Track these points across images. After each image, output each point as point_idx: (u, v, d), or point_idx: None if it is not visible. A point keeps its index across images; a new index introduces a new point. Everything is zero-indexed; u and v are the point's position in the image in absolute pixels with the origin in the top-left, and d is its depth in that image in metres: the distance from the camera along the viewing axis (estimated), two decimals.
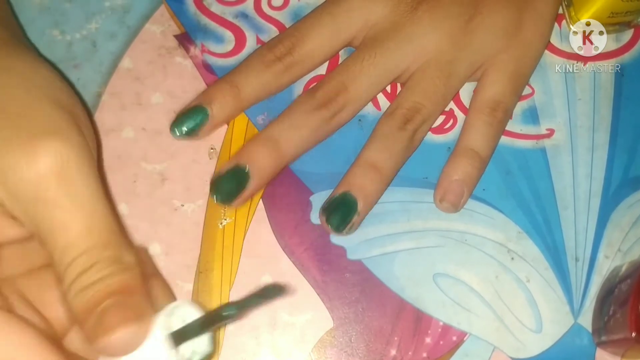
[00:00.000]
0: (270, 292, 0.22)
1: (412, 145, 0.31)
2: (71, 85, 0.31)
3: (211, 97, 0.31)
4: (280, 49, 0.31)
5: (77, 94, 0.27)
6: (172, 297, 0.27)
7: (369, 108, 0.33)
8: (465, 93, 0.33)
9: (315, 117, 0.31)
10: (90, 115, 0.32)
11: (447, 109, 0.33)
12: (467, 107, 0.33)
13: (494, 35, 0.32)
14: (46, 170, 0.22)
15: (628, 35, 0.34)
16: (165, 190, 0.32)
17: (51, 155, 0.22)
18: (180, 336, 0.22)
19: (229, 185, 0.30)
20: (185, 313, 0.23)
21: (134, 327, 0.21)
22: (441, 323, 0.31)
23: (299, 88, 0.33)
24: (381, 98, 0.33)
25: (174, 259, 0.31)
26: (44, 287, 0.25)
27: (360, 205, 0.30)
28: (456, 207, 0.31)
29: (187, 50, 0.34)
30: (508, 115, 0.32)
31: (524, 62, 0.32)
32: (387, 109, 0.32)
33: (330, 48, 0.32)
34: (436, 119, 0.32)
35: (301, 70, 0.32)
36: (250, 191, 0.30)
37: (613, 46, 0.34)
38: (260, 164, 0.30)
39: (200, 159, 0.32)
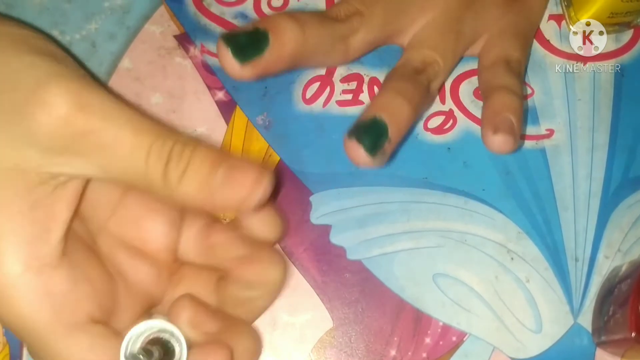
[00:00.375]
0: None
1: (429, 95, 0.29)
2: None
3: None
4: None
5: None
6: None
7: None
8: (465, 93, 0.33)
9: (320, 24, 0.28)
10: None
11: (446, 109, 0.33)
12: (468, 107, 0.33)
13: (496, 2, 0.31)
14: (65, 109, 0.21)
15: (628, 35, 0.34)
16: None
17: (59, 95, 0.21)
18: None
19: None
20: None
21: (266, 177, 0.23)
22: (441, 323, 0.31)
23: (298, 90, 0.33)
24: None
25: None
26: (132, 221, 0.27)
27: (392, 131, 0.26)
28: (513, 135, 0.28)
29: (186, 50, 0.34)
30: (522, 69, 0.31)
31: (525, 25, 0.32)
32: (397, 64, 0.30)
33: None
34: (446, 77, 0.31)
35: None
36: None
37: (613, 46, 0.34)
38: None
39: None
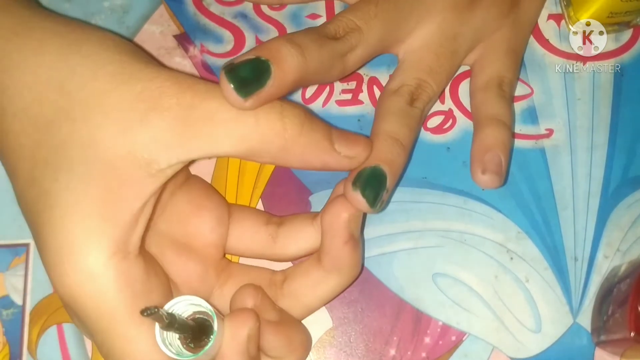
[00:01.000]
0: None
1: (421, 122, 0.31)
2: None
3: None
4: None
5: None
6: None
7: (369, 107, 0.33)
8: (465, 93, 0.33)
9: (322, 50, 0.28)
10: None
11: (446, 109, 0.33)
12: (467, 107, 0.33)
13: (492, 15, 0.31)
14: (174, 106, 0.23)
15: (627, 35, 0.34)
16: None
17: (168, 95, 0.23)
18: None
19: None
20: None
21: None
22: (440, 323, 0.31)
23: (298, 93, 0.33)
24: (378, 94, 0.33)
25: None
26: (181, 218, 0.28)
27: (389, 180, 0.28)
28: (500, 175, 0.29)
29: (186, 50, 0.34)
30: (513, 91, 0.32)
31: (516, 41, 0.32)
32: (389, 84, 0.31)
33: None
34: (438, 97, 0.32)
35: None
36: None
37: (612, 46, 0.34)
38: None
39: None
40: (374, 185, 0.27)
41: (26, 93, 0.24)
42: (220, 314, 0.24)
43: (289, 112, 0.25)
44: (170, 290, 0.26)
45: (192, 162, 0.25)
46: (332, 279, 0.28)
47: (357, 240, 0.28)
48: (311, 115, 0.25)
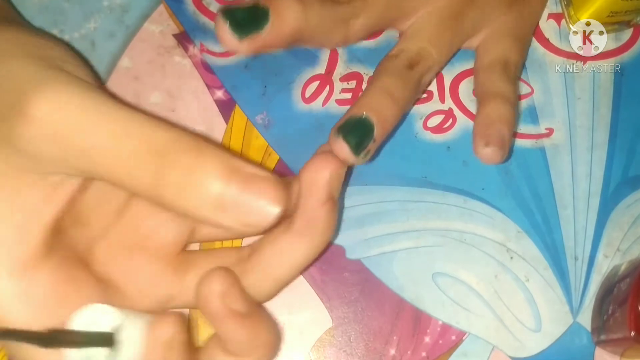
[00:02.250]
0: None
1: (419, 89, 0.30)
2: None
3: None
4: None
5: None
6: None
7: None
8: (465, 93, 0.33)
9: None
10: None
11: (446, 108, 0.33)
12: (467, 106, 0.33)
13: (497, 2, 0.31)
14: (45, 119, 0.21)
15: (627, 34, 0.34)
16: None
17: (43, 103, 0.21)
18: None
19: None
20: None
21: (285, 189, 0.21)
22: (440, 322, 0.31)
23: (298, 89, 0.33)
24: None
25: None
26: (137, 222, 0.26)
27: (378, 131, 0.27)
28: (503, 148, 0.29)
29: (186, 49, 0.34)
30: (519, 72, 0.31)
31: (522, 30, 0.32)
32: (390, 52, 0.30)
33: None
34: (440, 69, 0.31)
35: None
36: None
37: (612, 45, 0.34)
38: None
39: None
40: (358, 132, 0.26)
41: None
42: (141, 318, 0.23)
43: None
44: (104, 298, 0.24)
45: None
46: (303, 243, 0.25)
47: (336, 202, 0.26)
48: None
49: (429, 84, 0.31)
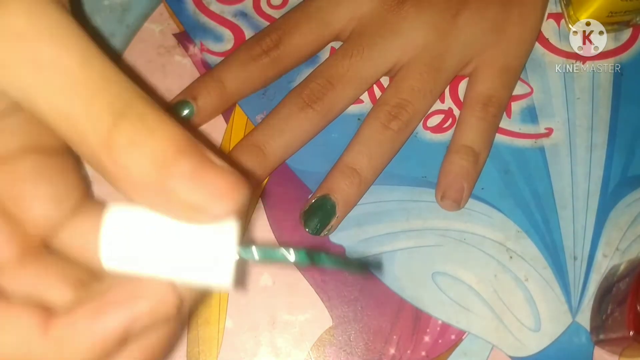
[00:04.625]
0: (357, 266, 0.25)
1: (396, 143, 0.31)
2: None
3: (195, 92, 0.31)
4: (267, 42, 0.31)
5: None
6: None
7: (368, 106, 0.33)
8: (465, 92, 0.33)
9: (302, 118, 0.31)
10: None
11: (446, 107, 0.33)
12: None
13: (483, 30, 0.32)
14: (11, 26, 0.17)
15: (627, 34, 0.35)
16: None
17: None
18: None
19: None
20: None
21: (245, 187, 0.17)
22: (440, 322, 0.31)
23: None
24: (379, 94, 0.33)
25: None
26: (17, 180, 0.21)
27: (339, 209, 0.30)
28: (458, 202, 0.31)
29: (186, 49, 0.34)
30: (501, 109, 0.32)
31: (513, 57, 0.32)
32: (374, 105, 0.32)
33: (317, 42, 0.32)
34: (425, 114, 0.32)
35: (288, 64, 0.32)
36: None
37: (612, 45, 0.34)
38: (247, 173, 0.30)
39: None
40: (320, 216, 0.30)
41: None
42: None
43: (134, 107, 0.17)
44: None
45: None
46: None
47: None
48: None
49: (412, 132, 0.32)
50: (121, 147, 0.16)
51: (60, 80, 0.17)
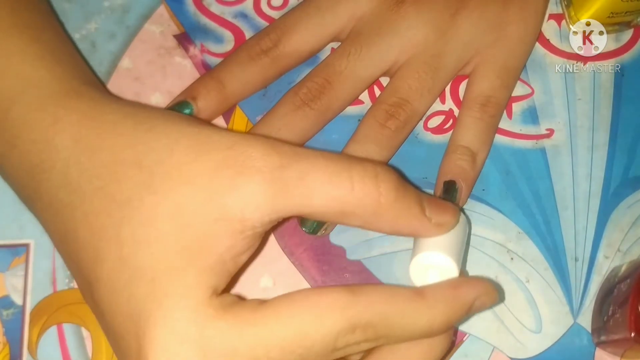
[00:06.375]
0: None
1: (394, 142, 0.31)
2: None
3: (196, 92, 0.31)
4: (267, 42, 0.31)
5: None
6: None
7: (369, 107, 0.33)
8: (464, 92, 0.33)
9: (299, 117, 0.31)
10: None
11: (446, 108, 0.33)
12: None
13: (482, 29, 0.32)
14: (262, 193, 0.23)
15: (628, 35, 0.34)
16: None
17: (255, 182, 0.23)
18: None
19: None
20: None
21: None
22: None
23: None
24: (378, 93, 0.33)
25: None
26: None
27: None
28: (459, 200, 0.31)
29: (186, 50, 0.34)
30: (500, 109, 0.32)
31: (513, 56, 0.32)
32: (373, 104, 0.32)
33: (317, 41, 0.32)
34: (424, 113, 0.32)
35: (288, 64, 0.32)
36: None
37: (613, 46, 0.34)
38: None
39: None
40: (310, 222, 0.30)
41: (105, 172, 0.23)
42: None
43: (384, 176, 0.24)
44: None
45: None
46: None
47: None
48: (404, 180, 0.25)
49: (410, 132, 0.32)
50: (391, 213, 0.24)
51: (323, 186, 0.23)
